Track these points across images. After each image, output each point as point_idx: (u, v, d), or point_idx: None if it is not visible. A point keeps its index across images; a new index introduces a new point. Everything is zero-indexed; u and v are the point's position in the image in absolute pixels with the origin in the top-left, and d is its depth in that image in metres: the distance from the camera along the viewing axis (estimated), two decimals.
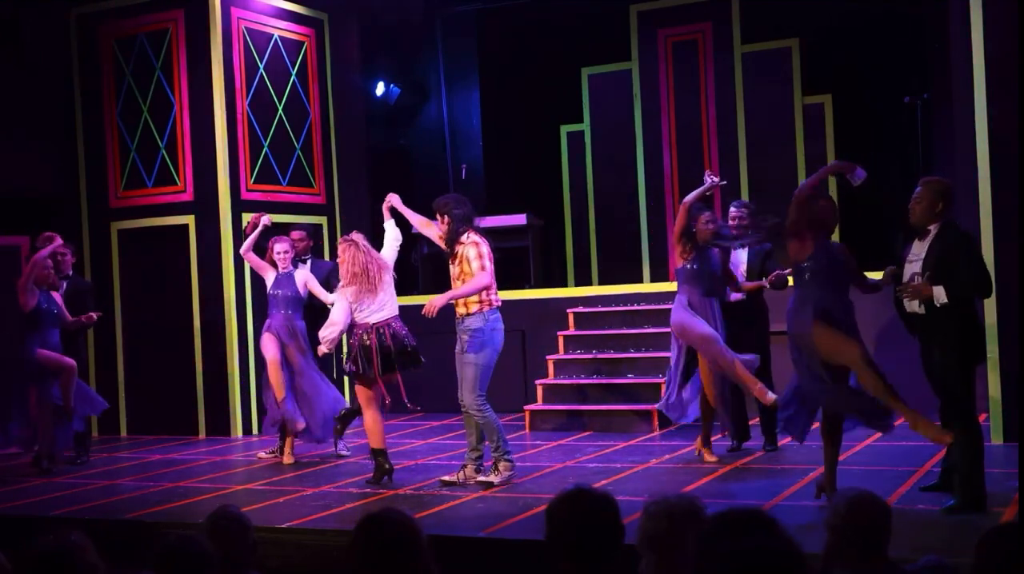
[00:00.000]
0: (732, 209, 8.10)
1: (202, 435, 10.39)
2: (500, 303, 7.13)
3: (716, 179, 7.74)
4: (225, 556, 3.43)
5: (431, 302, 6.90)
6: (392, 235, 7.63)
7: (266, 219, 8.70)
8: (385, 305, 7.34)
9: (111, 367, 10.85)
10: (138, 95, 10.78)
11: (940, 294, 5.62)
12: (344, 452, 8.79)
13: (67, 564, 2.81)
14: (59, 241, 8.88)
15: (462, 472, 7.18)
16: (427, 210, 7.52)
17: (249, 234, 8.64)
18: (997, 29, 7.57)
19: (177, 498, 7.26)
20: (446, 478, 7.21)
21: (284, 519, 6.35)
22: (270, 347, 8.47)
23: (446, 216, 7.09)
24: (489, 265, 6.97)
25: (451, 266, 7.14)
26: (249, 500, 6.97)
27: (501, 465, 7.07)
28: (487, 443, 7.15)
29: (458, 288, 6.97)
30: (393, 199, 7.60)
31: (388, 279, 7.43)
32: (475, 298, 6.98)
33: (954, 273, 5.63)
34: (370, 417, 7.43)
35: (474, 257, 6.96)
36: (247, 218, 10.07)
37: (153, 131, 10.71)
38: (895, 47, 11.67)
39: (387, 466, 7.32)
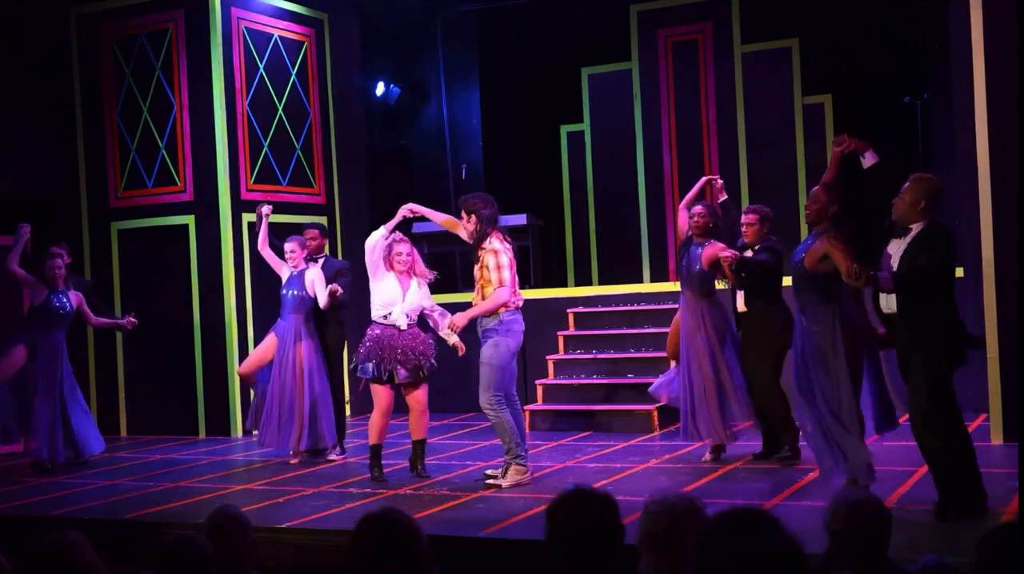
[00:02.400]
0: (744, 215, 7.91)
1: (202, 435, 10.38)
2: (520, 304, 7.07)
3: (709, 177, 7.78)
4: (225, 556, 3.43)
5: (454, 320, 7.05)
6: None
7: (266, 209, 8.66)
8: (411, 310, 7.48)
9: (111, 367, 10.85)
10: (138, 95, 10.78)
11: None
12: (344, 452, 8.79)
13: (65, 563, 2.81)
14: (26, 229, 8.69)
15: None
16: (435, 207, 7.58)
17: (258, 228, 8.61)
18: (997, 29, 7.57)
19: (177, 498, 7.26)
20: (490, 472, 7.15)
21: (284, 519, 6.35)
22: (261, 350, 8.61)
23: (473, 215, 6.99)
24: (508, 275, 6.91)
25: (474, 268, 7.10)
26: (249, 500, 6.97)
27: (512, 469, 7.01)
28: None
29: (478, 305, 6.99)
30: (410, 208, 7.47)
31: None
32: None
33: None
34: (379, 415, 7.48)
35: (493, 267, 6.93)
36: (247, 218, 10.12)
37: (153, 131, 10.71)
38: (895, 47, 11.66)
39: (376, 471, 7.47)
